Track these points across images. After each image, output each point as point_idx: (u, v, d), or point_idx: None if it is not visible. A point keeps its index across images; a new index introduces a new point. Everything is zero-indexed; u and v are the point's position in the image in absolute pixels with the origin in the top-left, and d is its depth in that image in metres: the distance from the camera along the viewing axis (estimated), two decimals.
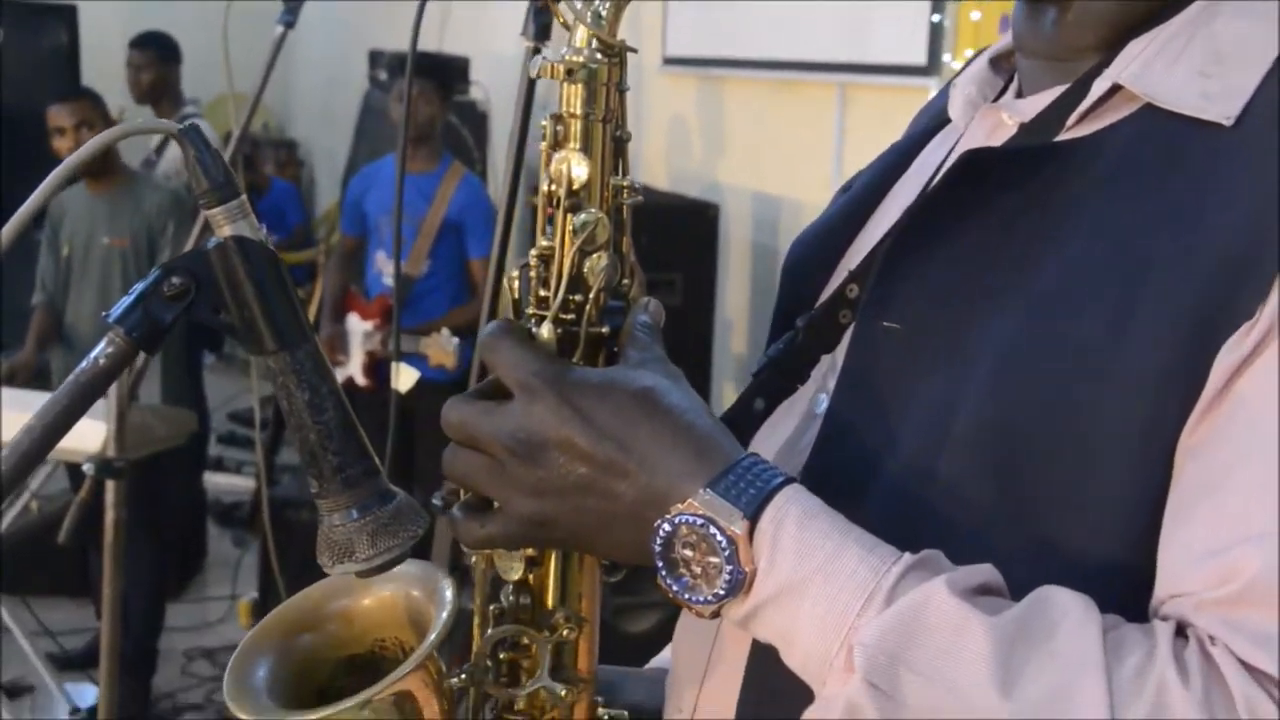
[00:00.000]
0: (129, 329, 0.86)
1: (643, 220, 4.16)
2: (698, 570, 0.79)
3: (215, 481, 6.12)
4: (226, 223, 0.87)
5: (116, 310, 0.86)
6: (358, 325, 4.68)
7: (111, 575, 2.41)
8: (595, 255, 0.88)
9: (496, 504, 0.86)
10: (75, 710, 4.20)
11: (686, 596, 0.81)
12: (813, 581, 0.77)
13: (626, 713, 0.99)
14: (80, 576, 4.45)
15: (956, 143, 1.00)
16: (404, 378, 2.39)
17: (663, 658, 1.16)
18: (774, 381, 1.01)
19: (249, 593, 5.09)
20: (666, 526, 0.80)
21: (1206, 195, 0.79)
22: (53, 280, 4.56)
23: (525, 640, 0.94)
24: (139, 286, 0.87)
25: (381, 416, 2.44)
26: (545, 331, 0.87)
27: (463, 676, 0.96)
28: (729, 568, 0.78)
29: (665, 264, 4.36)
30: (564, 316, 0.88)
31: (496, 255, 2.12)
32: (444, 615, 0.99)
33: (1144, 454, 0.77)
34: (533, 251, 0.90)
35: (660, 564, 0.81)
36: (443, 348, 4.22)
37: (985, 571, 0.77)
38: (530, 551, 0.93)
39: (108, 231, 4.46)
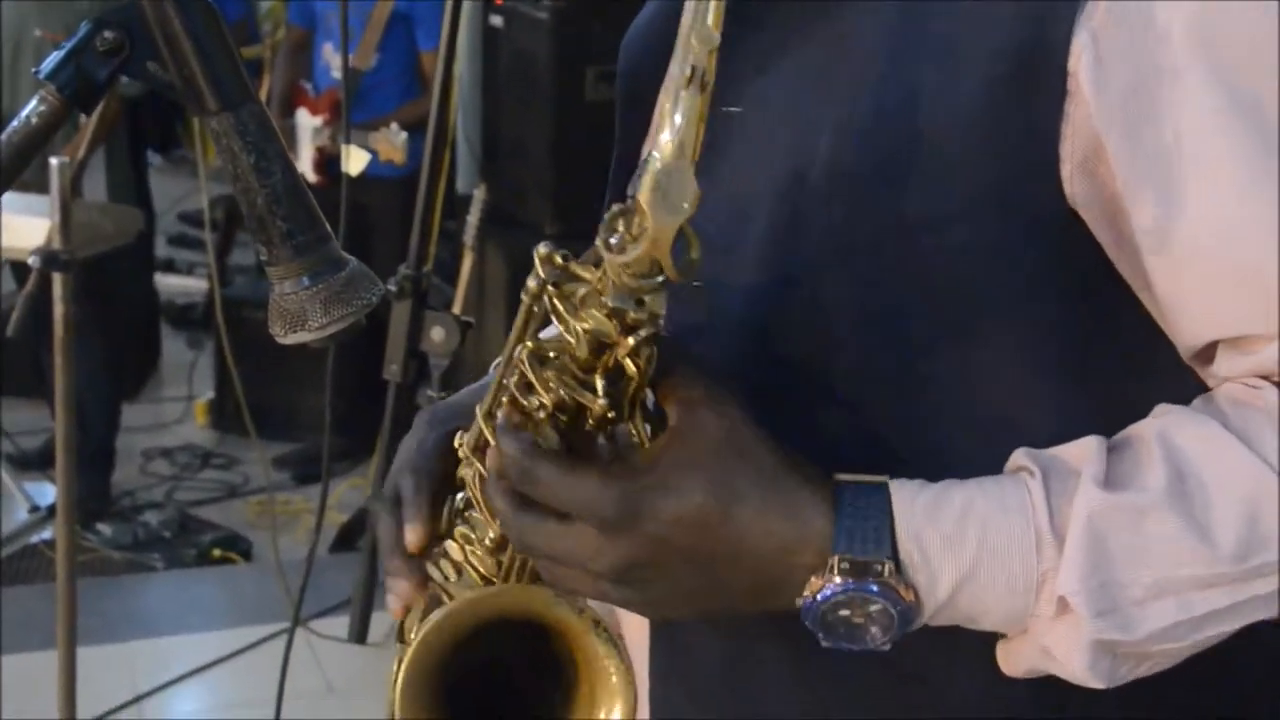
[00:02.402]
0: (61, 86, 0.81)
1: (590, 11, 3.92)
2: (859, 621, 0.77)
3: (167, 283, 6.06)
4: None
5: (47, 66, 0.82)
6: (306, 120, 4.57)
7: (63, 369, 2.37)
8: (634, 339, 0.77)
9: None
10: (35, 508, 4.23)
11: (857, 647, 0.79)
12: (980, 566, 0.76)
13: None
14: (35, 377, 4.42)
15: None
16: (354, 161, 2.33)
17: None
18: None
19: (205, 393, 5.09)
20: (812, 604, 0.78)
21: None
22: None
23: None
24: (70, 42, 0.83)
25: (335, 211, 2.40)
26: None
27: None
28: (895, 609, 0.77)
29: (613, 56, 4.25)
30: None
31: (445, 47, 2.05)
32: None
33: (997, 191, 0.79)
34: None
35: (819, 633, 0.79)
36: (391, 142, 4.15)
37: (1096, 444, 0.77)
38: None
39: (39, 23, 4.29)
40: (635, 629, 0.98)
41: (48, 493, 4.21)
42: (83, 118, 3.87)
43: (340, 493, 4.28)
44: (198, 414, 5.06)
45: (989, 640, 0.81)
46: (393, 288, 1.90)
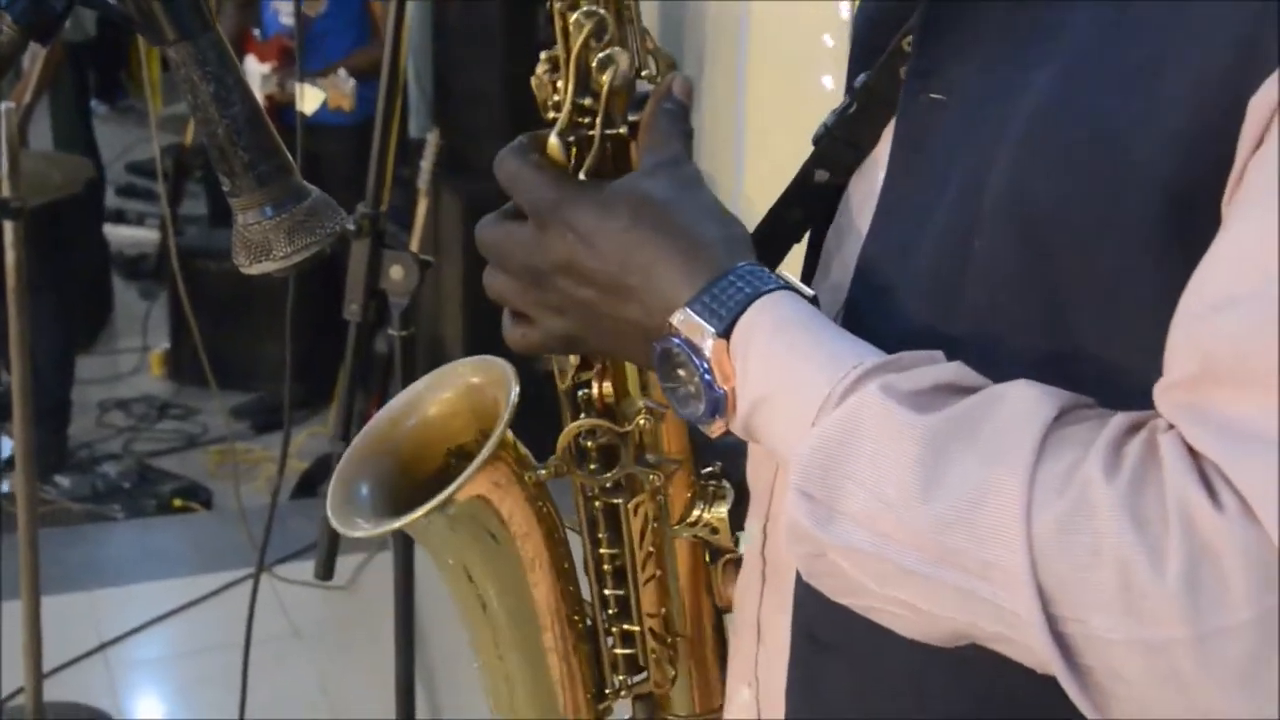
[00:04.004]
0: (16, 16, 0.81)
1: None
2: (691, 389, 0.78)
3: (117, 234, 5.99)
4: None
5: None
6: (255, 68, 4.53)
7: (16, 318, 2.36)
8: (605, 53, 0.84)
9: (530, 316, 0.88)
10: None
11: (687, 414, 0.79)
12: (778, 395, 0.75)
13: (726, 483, 1.01)
14: None
15: None
16: (309, 100, 2.32)
17: None
18: (834, 150, 0.93)
19: (160, 344, 5.06)
20: (659, 347, 0.79)
21: None
22: None
23: (603, 432, 0.96)
24: None
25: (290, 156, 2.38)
26: (552, 144, 0.85)
27: (544, 471, 0.99)
28: (708, 388, 0.77)
29: None
30: (579, 121, 0.86)
31: None
32: (511, 400, 0.99)
33: (1168, 235, 0.69)
34: (544, 54, 0.88)
35: (663, 382, 0.80)
36: (340, 89, 4.12)
37: (945, 371, 0.72)
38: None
39: None
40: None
41: (4, 446, 4.18)
42: (25, 65, 3.82)
43: (300, 440, 4.28)
44: (153, 365, 5.03)
45: None
46: (351, 226, 1.89)
